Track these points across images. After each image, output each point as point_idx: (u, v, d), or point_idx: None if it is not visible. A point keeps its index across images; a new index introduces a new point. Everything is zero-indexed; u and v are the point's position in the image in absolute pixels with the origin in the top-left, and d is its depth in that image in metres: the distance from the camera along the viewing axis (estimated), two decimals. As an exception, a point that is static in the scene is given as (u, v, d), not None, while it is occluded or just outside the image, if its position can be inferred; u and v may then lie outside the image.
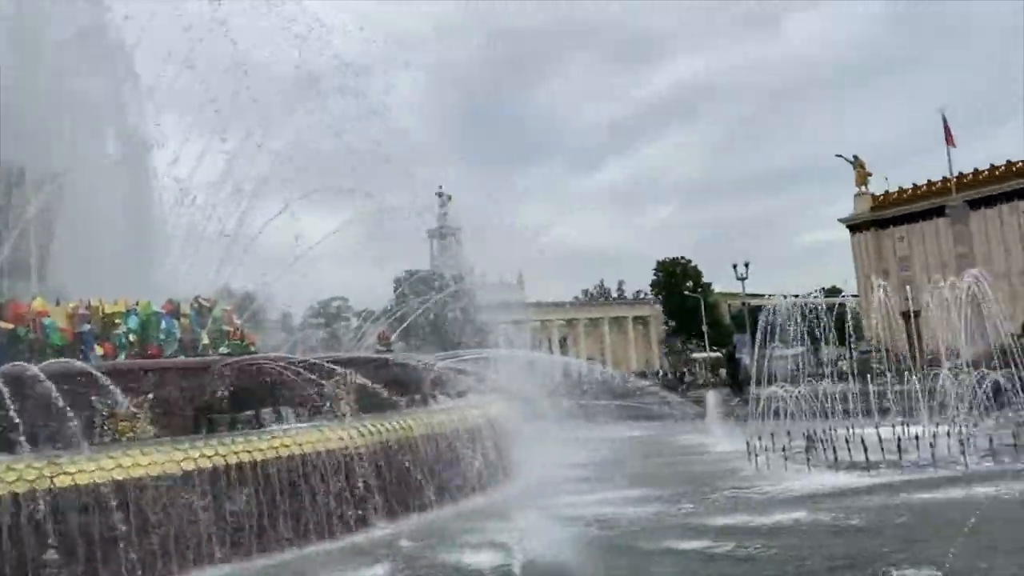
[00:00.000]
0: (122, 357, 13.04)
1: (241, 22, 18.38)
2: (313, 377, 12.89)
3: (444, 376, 17.12)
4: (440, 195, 70.95)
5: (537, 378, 26.15)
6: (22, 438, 9.65)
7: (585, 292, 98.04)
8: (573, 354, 78.77)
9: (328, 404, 13.14)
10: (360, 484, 12.07)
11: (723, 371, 44.91)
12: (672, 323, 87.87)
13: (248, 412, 12.17)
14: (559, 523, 11.63)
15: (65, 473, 9.43)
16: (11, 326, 12.23)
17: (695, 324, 76.92)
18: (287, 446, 11.40)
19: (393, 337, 19.43)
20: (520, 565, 9.30)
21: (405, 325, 22.27)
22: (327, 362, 13.43)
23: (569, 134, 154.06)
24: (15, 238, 14.11)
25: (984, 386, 18.99)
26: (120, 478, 9.76)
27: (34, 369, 10.31)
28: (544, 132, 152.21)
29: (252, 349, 15.41)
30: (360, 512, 11.92)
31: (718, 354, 61.67)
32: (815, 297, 24.43)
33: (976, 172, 55.87)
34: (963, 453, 15.56)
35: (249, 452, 10.93)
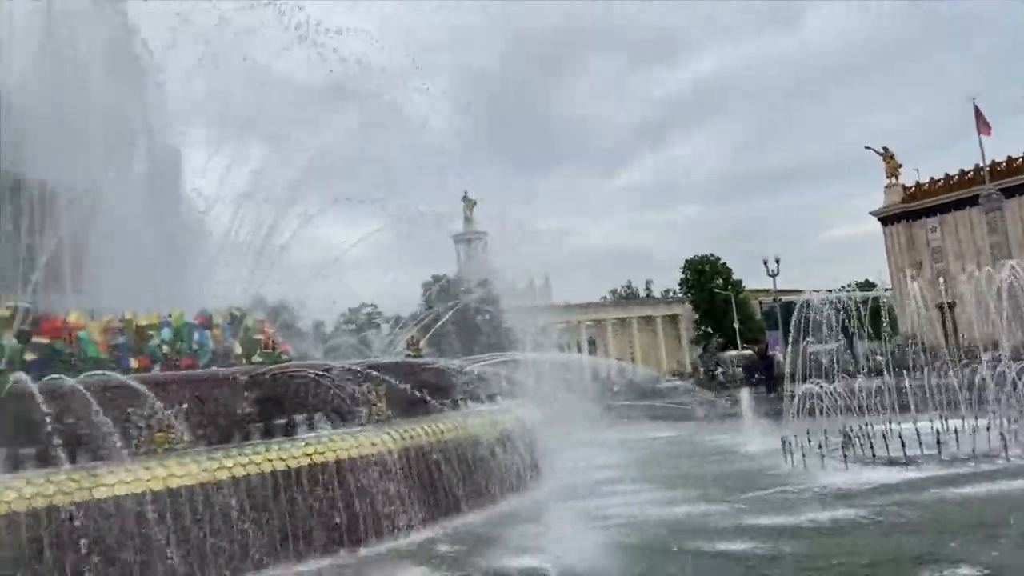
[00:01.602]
0: (156, 369, 13.19)
1: (263, 34, 18.55)
2: (345, 384, 12.96)
3: (474, 380, 17.12)
4: (466, 200, 71.17)
5: (566, 380, 26.06)
6: (60, 450, 9.82)
7: (613, 292, 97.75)
8: (602, 355, 78.54)
9: (360, 410, 13.20)
10: (394, 489, 12.11)
11: (754, 369, 44.50)
12: (702, 321, 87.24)
13: (281, 420, 12.26)
14: (594, 525, 11.57)
15: (103, 484, 9.56)
16: (48, 340, 12.43)
17: (726, 322, 76.35)
18: (321, 453, 11.46)
19: (422, 343, 19.46)
20: (559, 568, 9.27)
21: (434, 330, 22.33)
22: (359, 368, 13.49)
23: (595, 134, 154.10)
24: (51, 254, 14.33)
25: (1024, 377, 18.62)
26: (157, 488, 9.87)
27: (71, 382, 10.48)
28: (569, 133, 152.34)
29: (285, 358, 15.51)
30: (395, 517, 11.95)
31: (749, 352, 61.17)
32: (848, 292, 24.07)
33: (1010, 160, 54.80)
34: (1004, 447, 15.26)
35: (283, 460, 11.02)
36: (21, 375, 10.62)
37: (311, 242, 19.30)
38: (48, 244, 14.47)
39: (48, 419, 9.77)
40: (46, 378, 10.68)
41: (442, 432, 13.51)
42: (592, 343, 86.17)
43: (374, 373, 13.39)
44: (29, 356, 12.07)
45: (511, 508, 13.86)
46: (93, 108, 16.58)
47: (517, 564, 10.01)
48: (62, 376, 10.86)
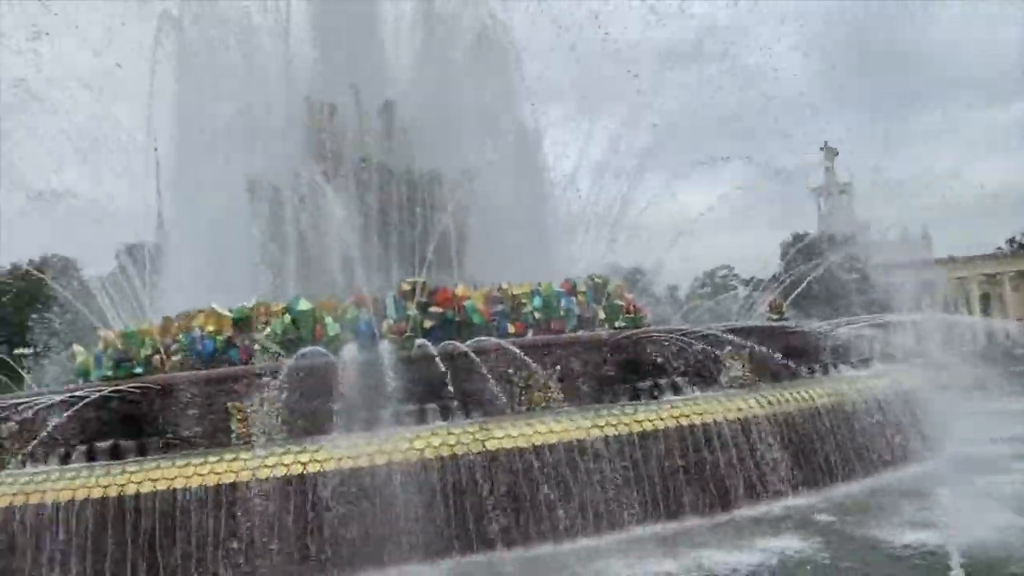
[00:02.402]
0: (530, 334, 14.30)
1: (608, 8, 19.05)
2: (707, 348, 12.94)
3: (844, 344, 16.06)
4: (825, 150, 66.53)
5: (954, 343, 23.27)
6: (459, 407, 11.15)
7: (1010, 242, 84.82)
8: (998, 314, 68.82)
9: (723, 375, 13.09)
10: (763, 454, 11.85)
11: None
12: None
13: (646, 382, 12.59)
14: (991, 503, 10.27)
15: (494, 438, 10.65)
16: (441, 310, 14.08)
17: None
18: (687, 416, 11.58)
19: (785, 305, 18.65)
20: (956, 547, 8.38)
21: (797, 292, 21.26)
22: (719, 332, 13.37)
23: (972, 65, 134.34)
24: (439, 235, 16.20)
25: None
26: (538, 443, 10.74)
27: (462, 346, 11.80)
28: (940, 66, 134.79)
29: (645, 322, 15.92)
30: (766, 482, 11.71)
31: None
32: None
33: None
34: None
35: (651, 421, 11.33)
36: (423, 340, 12.23)
37: (665, 207, 19.48)
38: (437, 226, 16.34)
39: (446, 378, 11.15)
40: (442, 343, 12.14)
41: (811, 398, 12.88)
42: (985, 300, 75.94)
43: (735, 338, 13.18)
44: (427, 324, 13.80)
45: (891, 479, 12.82)
46: (467, 101, 18.40)
47: (903, 539, 9.27)
48: (454, 341, 12.29)
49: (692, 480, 11.39)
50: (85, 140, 18.20)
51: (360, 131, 17.53)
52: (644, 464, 11.21)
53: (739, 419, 11.83)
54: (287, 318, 13.44)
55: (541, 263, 17.62)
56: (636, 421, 11.31)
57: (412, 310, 13.73)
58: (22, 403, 11.26)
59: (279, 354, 12.89)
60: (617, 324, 15.27)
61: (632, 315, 15.93)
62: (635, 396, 12.34)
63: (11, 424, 10.99)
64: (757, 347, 13.07)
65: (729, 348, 13.15)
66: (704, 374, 13.06)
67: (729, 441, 11.66)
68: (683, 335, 13.18)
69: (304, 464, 10.04)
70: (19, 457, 10.82)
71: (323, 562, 9.92)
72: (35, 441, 10.66)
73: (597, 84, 19.36)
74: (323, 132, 17.43)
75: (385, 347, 11.90)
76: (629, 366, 12.98)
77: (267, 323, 13.46)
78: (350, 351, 11.52)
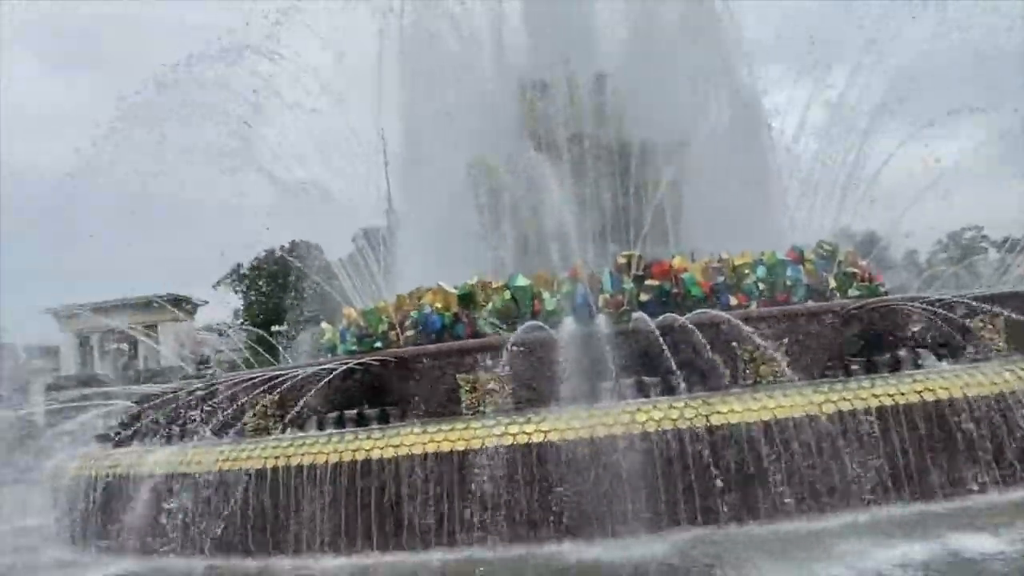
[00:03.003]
0: (754, 306, 13.78)
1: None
2: (953, 316, 11.83)
3: None
4: (1096, 91, 58.05)
5: None
6: (680, 381, 11.01)
7: None
8: None
9: (972, 345, 11.91)
10: (1021, 435, 10.67)
11: None
12: None
13: (883, 355, 11.74)
14: None
15: (718, 412, 10.41)
16: (658, 283, 13.93)
17: None
18: (931, 390, 10.66)
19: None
20: None
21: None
22: (967, 300, 12.17)
23: None
24: (654, 207, 16.00)
25: None
26: (766, 419, 10.36)
27: (682, 319, 11.61)
28: None
29: (881, 291, 14.83)
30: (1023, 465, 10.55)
31: None
32: None
33: None
34: None
35: (891, 396, 10.55)
36: (641, 314, 12.17)
37: (902, 165, 17.93)
38: (652, 198, 16.15)
39: (666, 352, 11.04)
40: (661, 316, 12.02)
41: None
42: None
43: (986, 305, 11.93)
44: (643, 297, 13.71)
45: None
46: (681, 67, 17.96)
47: None
48: (673, 314, 12.12)
49: (935, 460, 10.49)
50: (321, 133, 19.77)
51: (572, 106, 17.65)
52: (882, 442, 10.47)
53: (992, 394, 10.71)
54: (507, 294, 13.91)
55: (764, 231, 16.91)
56: (874, 396, 10.56)
57: (628, 283, 13.70)
58: (281, 376, 12.53)
59: (500, 329, 13.39)
60: (850, 294, 14.34)
61: (867, 283, 14.89)
62: (871, 370, 11.54)
63: (273, 395, 12.25)
64: (1012, 315, 11.77)
65: (979, 317, 11.93)
66: (950, 345, 11.94)
67: (980, 418, 10.60)
68: (925, 303, 12.12)
69: (529, 434, 10.38)
70: (281, 424, 12.07)
71: (550, 528, 10.23)
72: (295, 410, 11.86)
73: (821, 37, 18.09)
74: (536, 110, 17.77)
75: (602, 321, 11.99)
76: (864, 338, 12.12)
77: (489, 299, 14.01)
78: (568, 325, 11.72)
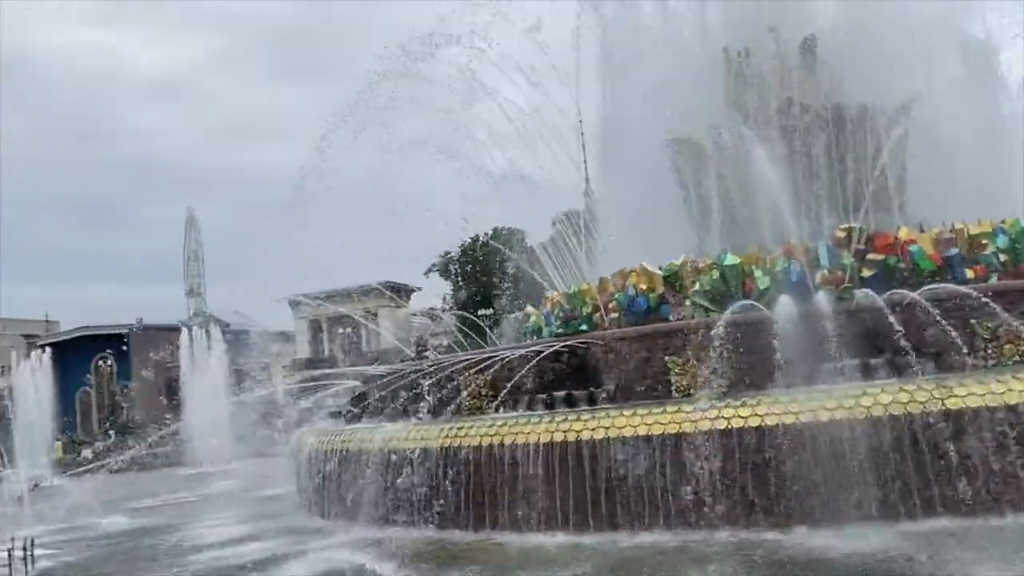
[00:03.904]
0: (994, 278, 12.50)
1: None
2: None
3: None
4: None
5: None
6: (908, 361, 10.20)
7: None
8: None
9: None
10: None
11: None
12: None
13: None
14: None
15: (955, 395, 9.54)
16: (882, 256, 12.96)
17: None
18: None
19: None
20: None
21: None
22: None
23: None
24: (875, 176, 14.87)
25: None
26: (1012, 402, 9.37)
27: (912, 295, 10.74)
28: None
29: None
30: None
31: None
32: None
33: None
34: None
35: None
36: (865, 290, 11.40)
37: None
38: (873, 166, 15.03)
39: (894, 331, 10.27)
40: (887, 292, 11.18)
41: None
42: None
43: None
44: (866, 272, 12.81)
45: None
46: (900, 20, 16.53)
47: None
48: (902, 290, 11.24)
49: None
50: (523, 120, 20.11)
51: (781, 72, 16.73)
52: None
53: None
54: (715, 273, 13.51)
55: (1002, 198, 15.22)
56: None
57: (848, 258, 12.86)
58: (493, 358, 12.98)
59: (709, 309, 13.03)
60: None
61: None
62: None
63: (487, 375, 12.72)
64: None
65: None
66: None
67: None
68: None
69: (745, 418, 10.05)
70: (494, 404, 12.51)
71: (767, 514, 9.86)
72: (505, 390, 12.24)
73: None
74: (741, 80, 17.02)
75: (821, 298, 11.35)
76: None
77: (696, 279, 13.67)
78: (784, 304, 11.20)
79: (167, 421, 41.68)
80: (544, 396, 12.22)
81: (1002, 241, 12.86)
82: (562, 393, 12.12)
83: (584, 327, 14.73)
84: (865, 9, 17.09)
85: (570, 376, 12.55)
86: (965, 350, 10.30)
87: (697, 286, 13.54)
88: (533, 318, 17.30)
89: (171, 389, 52.18)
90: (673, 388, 11.36)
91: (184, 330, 49.85)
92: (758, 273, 13.21)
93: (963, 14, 17.91)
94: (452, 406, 12.64)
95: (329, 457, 14.34)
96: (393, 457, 12.42)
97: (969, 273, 12.66)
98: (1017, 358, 10.27)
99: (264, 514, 17.05)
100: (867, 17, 16.95)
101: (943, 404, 9.53)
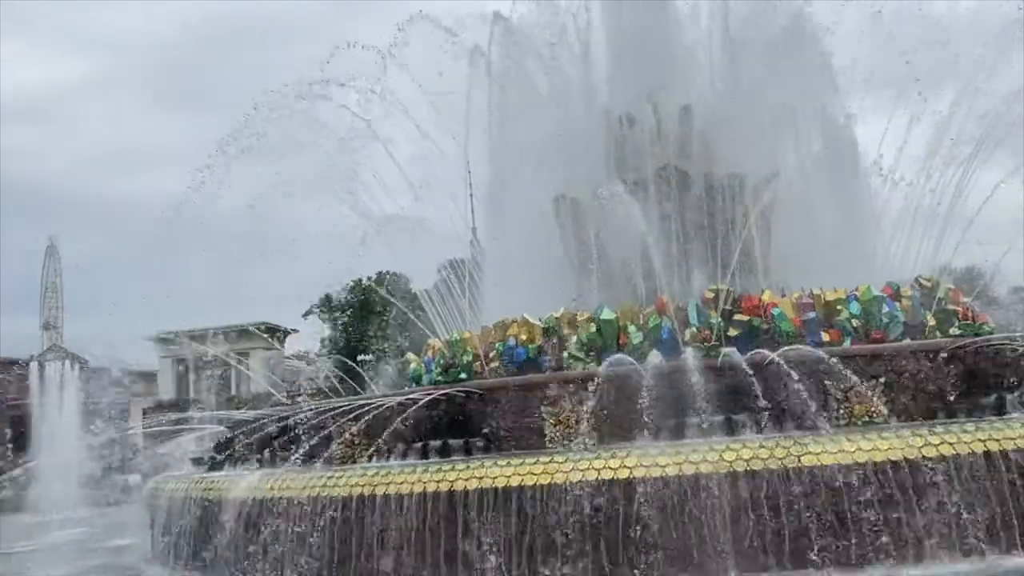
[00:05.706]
0: (847, 342, 13.32)
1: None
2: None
3: None
4: None
5: None
6: (767, 419, 10.68)
7: None
8: None
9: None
10: None
11: None
12: None
13: (989, 397, 11.16)
14: None
15: (810, 452, 10.02)
16: (747, 317, 13.62)
17: None
18: (1042, 435, 10.03)
19: None
20: None
21: None
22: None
23: None
24: (742, 240, 15.68)
25: None
26: (861, 460, 9.92)
27: (772, 355, 11.30)
28: None
29: (987, 329, 14.12)
30: None
31: None
32: None
33: None
34: None
35: (997, 441, 9.97)
36: (731, 349, 11.91)
37: (1007, 198, 17.11)
38: (740, 231, 15.85)
39: (755, 389, 10.76)
40: (750, 352, 11.72)
41: None
42: None
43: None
44: (732, 332, 13.42)
45: None
46: (768, 100, 17.67)
47: None
48: (762, 350, 11.80)
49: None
50: (410, 167, 20.20)
51: (658, 139, 17.55)
52: (989, 489, 9.89)
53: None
54: (592, 327, 13.84)
55: (858, 267, 16.35)
56: (979, 440, 10.00)
57: (715, 318, 13.45)
58: (368, 405, 12.73)
59: (585, 362, 13.30)
60: (951, 332, 13.70)
61: (969, 322, 14.21)
62: (973, 412, 11.00)
63: (360, 424, 12.44)
64: None
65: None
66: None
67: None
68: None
69: (614, 469, 10.21)
70: (367, 453, 12.22)
71: (631, 567, 9.99)
72: (381, 439, 12.00)
73: (920, 68, 17.50)
74: (622, 143, 17.72)
75: (690, 355, 11.79)
76: (967, 379, 11.58)
77: (575, 332, 13.95)
78: (655, 359, 11.56)
79: (9, 462, 38.61)
80: (420, 445, 12.05)
81: (855, 308, 13.74)
82: (438, 442, 11.99)
83: (464, 375, 14.71)
84: (737, 83, 18.23)
85: (448, 425, 12.44)
86: (820, 410, 10.86)
87: (575, 339, 13.80)
88: (413, 365, 17.14)
89: (15, 427, 48.51)
90: (547, 439, 11.45)
91: (34, 364, 46.60)
92: (632, 328, 13.63)
93: (827, 93, 19.22)
94: (324, 454, 12.27)
95: (188, 506, 13.61)
96: (256, 508, 11.91)
97: (825, 336, 13.45)
98: (867, 419, 10.91)
99: (111, 566, 15.95)
100: (741, 92, 18.08)
101: (799, 460, 9.97)
